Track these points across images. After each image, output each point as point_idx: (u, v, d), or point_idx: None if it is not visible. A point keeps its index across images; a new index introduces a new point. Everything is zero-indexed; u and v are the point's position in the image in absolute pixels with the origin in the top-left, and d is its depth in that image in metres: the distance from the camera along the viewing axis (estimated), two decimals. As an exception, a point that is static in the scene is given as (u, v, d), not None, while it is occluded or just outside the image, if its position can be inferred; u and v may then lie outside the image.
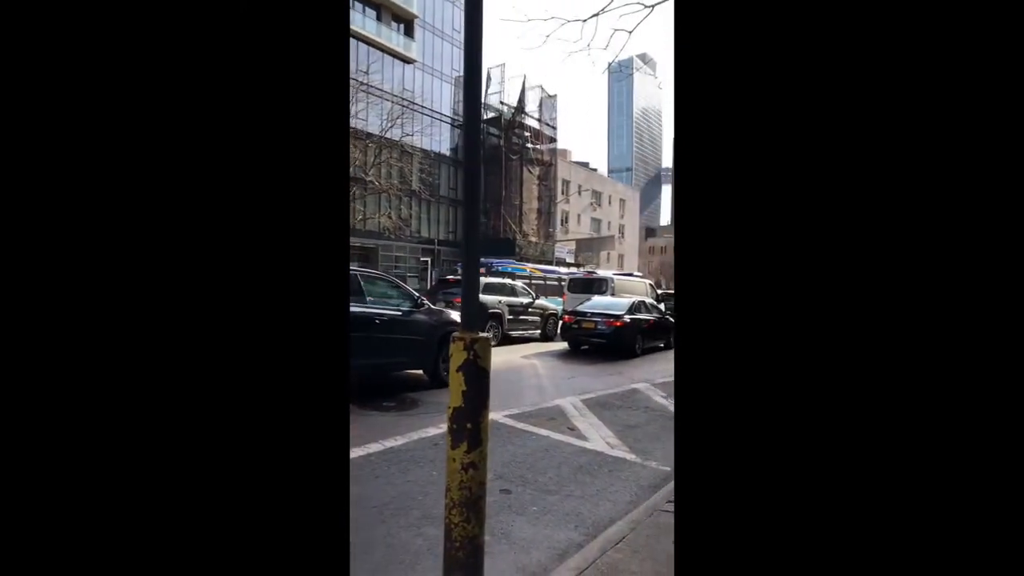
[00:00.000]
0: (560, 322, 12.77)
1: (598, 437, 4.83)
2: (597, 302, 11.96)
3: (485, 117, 32.03)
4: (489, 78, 32.73)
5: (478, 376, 2.05)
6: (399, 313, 6.25)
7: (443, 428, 4.32)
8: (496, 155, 31.53)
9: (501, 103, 32.76)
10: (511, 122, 32.20)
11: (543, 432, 4.87)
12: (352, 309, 5.50)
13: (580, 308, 11.50)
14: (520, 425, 5.07)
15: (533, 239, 32.13)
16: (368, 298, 6.00)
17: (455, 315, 7.23)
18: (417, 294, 7.02)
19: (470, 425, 2.03)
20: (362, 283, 6.06)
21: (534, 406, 5.85)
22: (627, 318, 10.66)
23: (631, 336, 10.67)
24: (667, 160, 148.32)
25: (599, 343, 10.63)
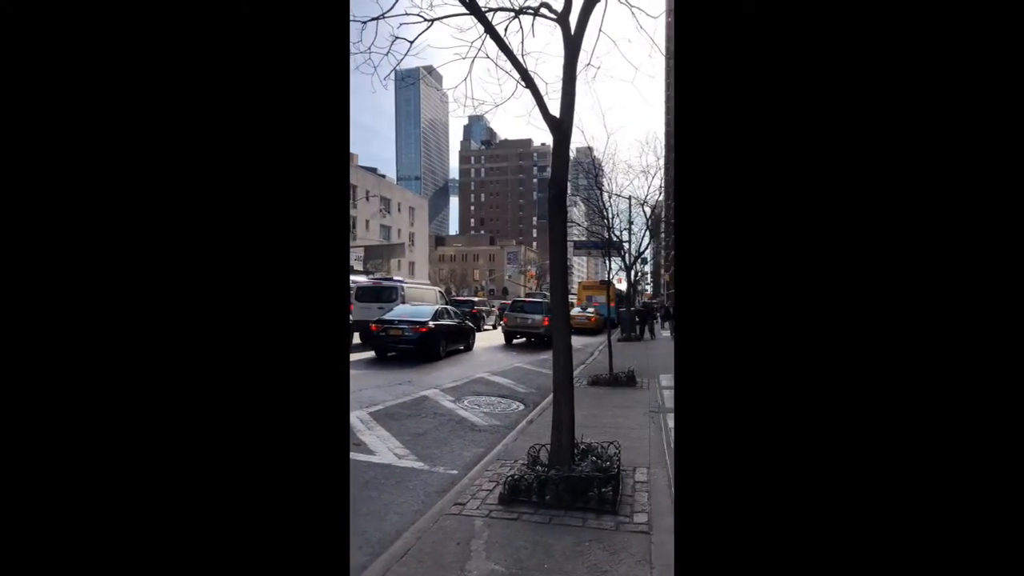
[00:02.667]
0: (354, 332, 12.45)
1: (385, 449, 4.73)
2: (403, 310, 12.36)
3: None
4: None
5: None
6: None
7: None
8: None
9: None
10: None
11: (326, 452, 4.57)
12: None
13: (386, 316, 11.71)
14: (300, 447, 4.66)
15: (317, 245, 30.12)
16: None
17: None
18: None
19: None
20: None
21: (317, 425, 5.45)
22: (432, 324, 11.23)
23: (436, 341, 11.23)
24: (453, 171, 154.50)
25: (407, 348, 10.95)
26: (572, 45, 3.65)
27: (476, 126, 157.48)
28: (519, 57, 3.71)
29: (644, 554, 2.66)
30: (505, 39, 3.62)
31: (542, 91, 3.71)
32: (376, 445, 4.83)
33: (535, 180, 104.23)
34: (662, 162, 20.35)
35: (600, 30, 4.60)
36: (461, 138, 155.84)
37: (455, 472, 4.19)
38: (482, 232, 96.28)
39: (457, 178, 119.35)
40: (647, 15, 5.08)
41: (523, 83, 3.69)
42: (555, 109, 3.71)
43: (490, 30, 3.49)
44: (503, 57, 3.62)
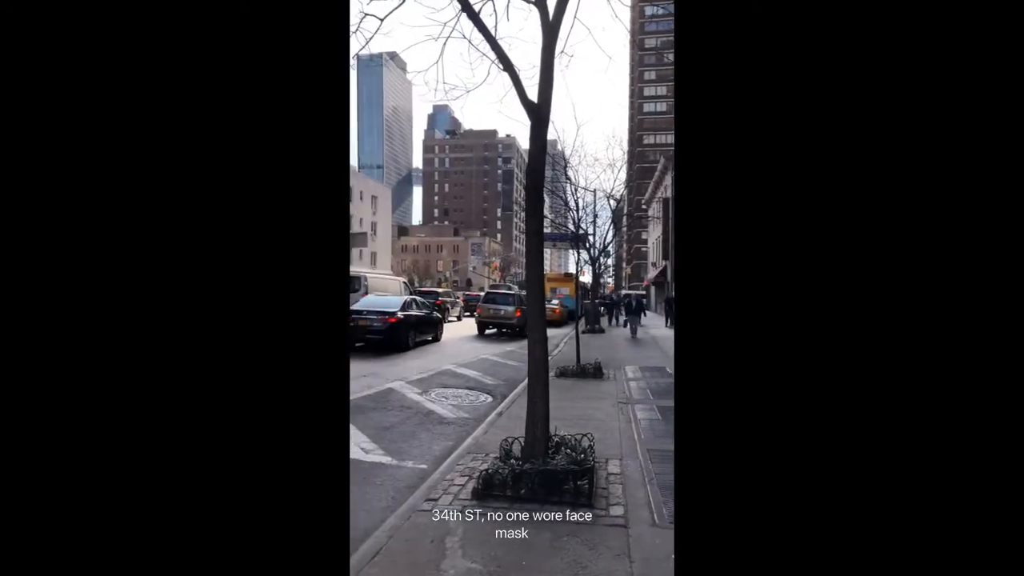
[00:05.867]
0: None
1: (352, 444, 4.56)
2: (371, 300, 12.36)
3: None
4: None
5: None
6: None
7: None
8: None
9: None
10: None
11: (288, 447, 4.37)
12: None
13: (355, 307, 11.63)
14: (260, 443, 4.45)
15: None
16: None
17: None
18: None
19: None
20: None
21: (277, 419, 5.22)
22: (401, 315, 11.26)
23: (404, 331, 11.29)
24: (417, 160, 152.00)
25: (375, 339, 10.90)
26: (550, 29, 3.55)
27: (440, 115, 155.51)
28: (495, 38, 3.58)
29: (623, 548, 2.63)
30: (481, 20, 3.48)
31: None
32: (341, 440, 4.66)
33: (500, 171, 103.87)
34: (627, 156, 20.55)
35: (575, 16, 4.52)
36: (425, 127, 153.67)
37: (424, 466, 4.08)
38: (446, 223, 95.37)
39: (421, 167, 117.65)
40: (621, 3, 5.03)
41: (500, 65, 3.57)
42: (531, 95, 3.61)
43: (467, 7, 3.35)
44: (477, 39, 3.49)
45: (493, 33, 3.61)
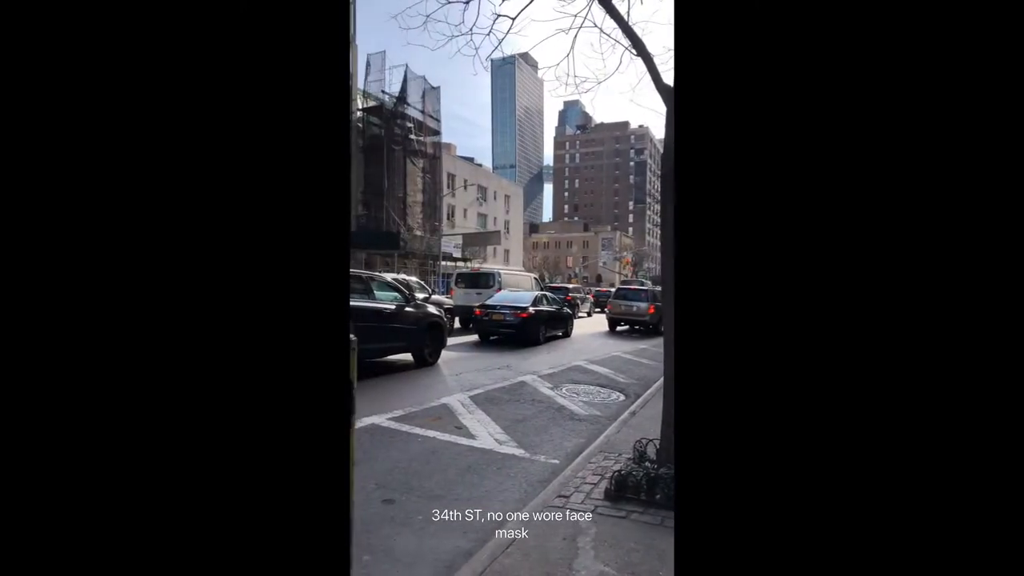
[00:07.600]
0: (455, 317, 13.57)
1: (486, 434, 4.73)
2: (504, 295, 12.94)
3: (365, 105, 30.55)
4: (368, 65, 31.29)
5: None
6: (394, 307, 7.55)
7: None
8: (377, 145, 30.26)
9: (383, 92, 31.48)
10: (393, 112, 31.03)
11: (429, 433, 4.66)
12: (364, 304, 7.03)
13: (489, 301, 12.29)
14: (404, 427, 4.80)
15: (418, 233, 31.40)
16: (375, 294, 7.49)
17: (432, 308, 8.71)
18: (406, 290, 8.42)
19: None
20: (370, 283, 7.66)
21: (419, 406, 5.60)
22: (532, 310, 11.63)
23: (536, 326, 11.64)
24: (548, 158, 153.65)
25: (508, 333, 11.44)
26: (689, 5, 3.32)
27: (571, 111, 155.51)
28: (629, 23, 3.44)
29: (773, 570, 2.38)
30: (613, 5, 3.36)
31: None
32: (477, 429, 4.86)
33: (632, 163, 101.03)
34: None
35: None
36: (556, 124, 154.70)
37: (556, 462, 4.09)
38: (576, 218, 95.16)
39: (551, 164, 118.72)
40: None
41: (634, 51, 3.42)
42: (667, 79, 3.41)
43: (599, -5, 3.26)
44: (609, 26, 3.37)
45: (626, 18, 3.47)
